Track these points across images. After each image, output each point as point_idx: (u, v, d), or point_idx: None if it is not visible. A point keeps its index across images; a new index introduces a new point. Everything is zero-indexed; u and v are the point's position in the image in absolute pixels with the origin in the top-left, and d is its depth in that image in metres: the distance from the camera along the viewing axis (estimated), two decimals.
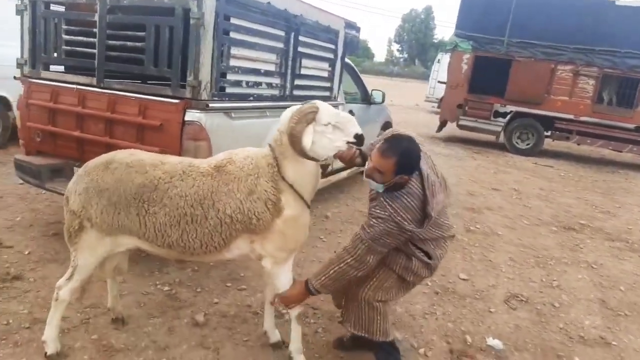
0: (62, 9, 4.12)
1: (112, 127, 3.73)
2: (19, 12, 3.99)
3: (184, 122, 3.45)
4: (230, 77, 3.80)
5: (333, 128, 2.46)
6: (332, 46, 5.38)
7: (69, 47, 3.98)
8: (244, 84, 3.94)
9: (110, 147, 3.69)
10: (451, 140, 14.01)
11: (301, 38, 4.62)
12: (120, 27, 3.73)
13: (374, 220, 2.41)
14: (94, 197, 2.48)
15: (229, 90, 3.81)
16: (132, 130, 3.63)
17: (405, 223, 2.38)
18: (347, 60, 6.76)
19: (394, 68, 78.16)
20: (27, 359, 2.64)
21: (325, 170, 2.76)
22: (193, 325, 3.14)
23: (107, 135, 3.73)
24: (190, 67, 3.41)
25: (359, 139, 2.50)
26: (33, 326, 2.90)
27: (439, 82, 18.74)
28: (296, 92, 4.79)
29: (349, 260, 2.44)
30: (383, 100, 7.26)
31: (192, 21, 3.33)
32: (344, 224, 5.46)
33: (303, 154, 2.42)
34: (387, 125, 8.10)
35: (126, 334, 2.95)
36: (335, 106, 5.81)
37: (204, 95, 3.48)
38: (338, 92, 5.79)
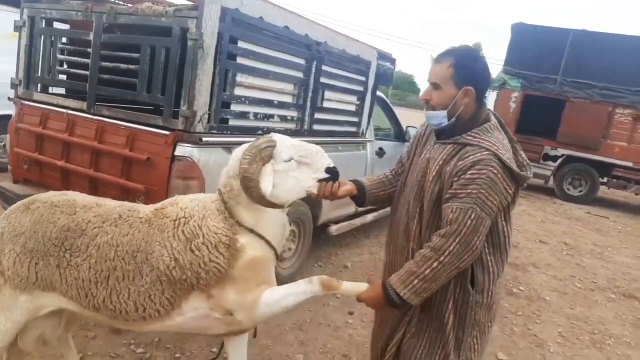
0: (62, 26, 3.80)
1: (98, 158, 3.29)
2: (17, 28, 3.68)
3: (173, 157, 2.97)
4: (235, 107, 3.32)
5: (298, 164, 1.94)
6: (362, 78, 4.86)
7: (62, 68, 3.62)
8: (251, 116, 3.46)
9: (93, 181, 3.29)
10: None
11: (325, 67, 4.14)
12: (115, 48, 3.33)
13: (470, 172, 1.75)
14: (8, 244, 2.00)
15: (232, 122, 3.33)
16: (118, 163, 3.18)
17: (508, 160, 1.78)
18: (379, 93, 6.24)
19: None
20: None
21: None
22: None
23: (92, 167, 3.29)
24: (185, 95, 2.94)
25: (332, 172, 1.97)
26: None
27: None
28: (317, 127, 4.28)
29: (451, 246, 1.75)
30: None
31: (189, 42, 2.89)
32: (365, 277, 4.78)
33: (263, 201, 1.87)
34: None
35: None
36: (364, 143, 5.35)
37: (199, 128, 3.00)
38: (367, 128, 5.24)
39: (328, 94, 4.34)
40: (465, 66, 1.86)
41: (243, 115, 3.39)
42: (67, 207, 2.04)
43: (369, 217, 5.82)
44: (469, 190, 1.75)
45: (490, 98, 17.73)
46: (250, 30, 3.27)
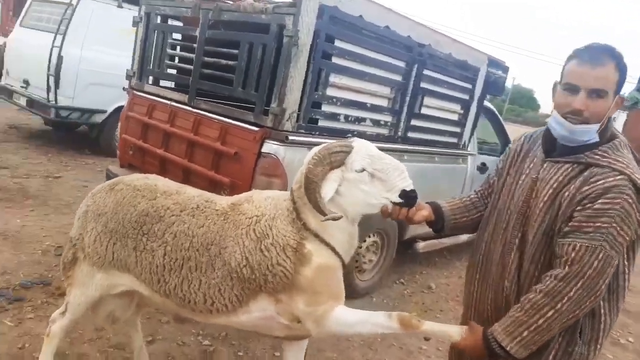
0: (176, 23, 4.01)
1: (192, 149, 3.41)
2: (135, 23, 3.96)
3: (259, 154, 2.97)
4: (326, 108, 3.25)
5: (371, 178, 1.75)
6: (468, 85, 4.55)
7: (171, 62, 3.82)
8: (342, 118, 3.36)
9: (187, 171, 3.40)
10: None
11: (427, 72, 3.92)
12: (217, 44, 3.43)
13: (601, 201, 1.44)
14: (91, 222, 2.07)
15: (322, 123, 3.27)
16: (209, 155, 3.26)
17: None
18: (488, 104, 5.83)
19: None
20: None
21: None
22: None
23: (187, 157, 3.41)
24: (276, 92, 2.93)
25: (408, 198, 1.74)
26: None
27: None
28: (412, 134, 4.07)
29: (572, 292, 1.45)
30: None
31: (285, 39, 2.87)
32: (449, 303, 4.46)
33: (317, 207, 1.72)
34: None
35: None
36: (464, 156, 5.01)
37: (287, 126, 2.97)
38: (470, 140, 4.90)
39: (428, 101, 4.11)
40: (624, 70, 1.51)
41: (333, 116, 3.30)
42: (149, 192, 2.08)
43: (463, 237, 5.42)
44: (598, 224, 1.44)
45: (620, 119, 16.05)
46: (349, 29, 3.18)
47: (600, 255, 1.44)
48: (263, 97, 3.05)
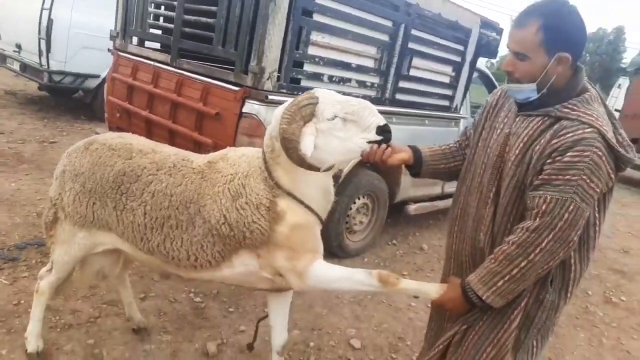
0: None
1: (176, 110, 3.40)
2: None
3: (240, 114, 2.96)
4: (308, 67, 3.22)
5: (344, 122, 1.72)
6: (460, 47, 4.47)
7: (153, 22, 3.76)
8: (325, 78, 3.33)
9: (172, 133, 3.41)
10: (619, 180, 11.65)
11: (415, 32, 3.85)
12: (198, 1, 3.37)
13: (570, 154, 1.45)
14: (69, 182, 2.09)
15: (304, 83, 3.23)
16: (192, 116, 3.26)
17: (613, 139, 1.48)
18: (483, 68, 5.74)
19: None
20: (8, 349, 2.37)
21: (335, 182, 1.89)
22: (201, 354, 2.63)
23: (171, 119, 3.41)
24: (255, 50, 2.89)
25: (384, 132, 1.73)
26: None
27: (615, 110, 15.92)
28: (401, 97, 4.03)
29: (544, 242, 1.48)
30: None
31: None
32: (440, 262, 4.51)
33: (303, 163, 1.72)
34: None
35: (124, 347, 2.55)
36: (457, 119, 4.96)
37: (267, 85, 2.94)
38: (462, 103, 4.85)
39: (417, 62, 4.05)
40: (557, 27, 1.51)
41: (317, 76, 3.27)
42: (124, 151, 2.08)
43: None
44: (567, 177, 1.45)
45: (625, 86, 15.77)
46: None
47: (571, 207, 1.46)
48: (242, 55, 3.02)
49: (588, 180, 1.45)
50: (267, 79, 2.93)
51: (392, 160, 1.83)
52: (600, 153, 1.45)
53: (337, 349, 2.90)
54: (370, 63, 3.66)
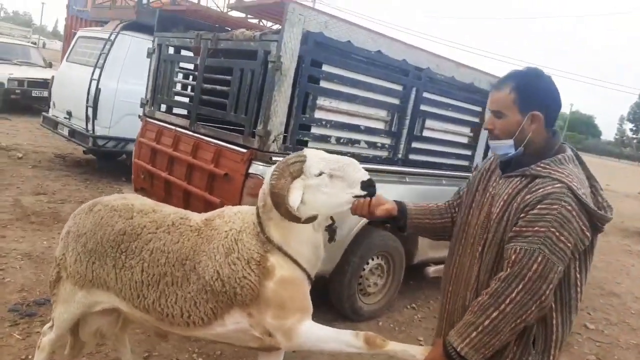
0: (186, 53, 4.26)
1: (191, 172, 3.57)
2: (149, 54, 4.24)
3: (247, 175, 3.08)
4: (315, 130, 3.33)
5: (330, 178, 1.85)
6: (477, 108, 4.50)
7: (177, 90, 4.05)
8: (333, 140, 3.42)
9: (187, 193, 3.56)
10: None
11: (427, 95, 3.94)
12: (215, 71, 3.62)
13: (539, 207, 1.51)
14: (72, 243, 2.20)
15: (312, 145, 3.33)
16: (204, 177, 3.41)
17: (584, 196, 1.53)
18: None
19: (625, 149, 68.31)
20: None
21: (332, 237, 1.99)
22: None
23: (186, 180, 3.58)
24: (261, 115, 3.05)
25: (369, 187, 1.84)
26: None
27: None
28: (414, 157, 4.06)
29: (514, 293, 1.50)
30: None
31: (269, 65, 3.00)
32: None
33: (290, 216, 1.81)
34: None
35: None
36: None
37: (273, 147, 3.07)
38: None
39: (430, 123, 4.11)
40: (528, 88, 1.66)
41: (324, 138, 3.37)
42: (125, 212, 2.19)
43: None
44: (536, 228, 1.50)
45: None
46: (337, 54, 3.27)
47: (539, 258, 1.48)
48: (251, 120, 3.18)
49: (557, 233, 1.48)
50: (273, 142, 3.06)
51: (378, 211, 1.93)
52: (569, 207, 1.49)
53: None
54: (380, 125, 3.75)
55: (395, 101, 3.76)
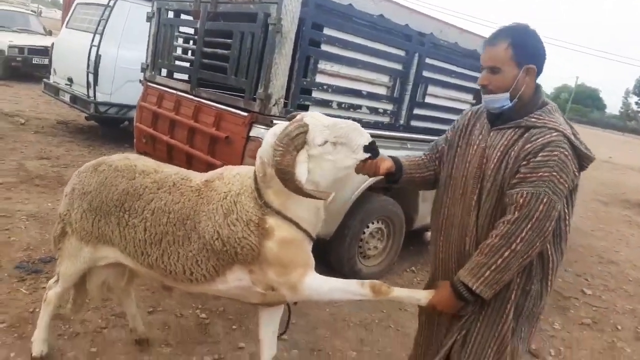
0: (185, 17, 4.22)
1: (193, 135, 3.59)
2: (149, 19, 4.21)
3: (248, 138, 3.10)
4: (316, 94, 3.33)
5: (334, 146, 1.83)
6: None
7: (177, 54, 4.03)
8: (334, 105, 3.43)
9: (189, 156, 3.59)
10: None
11: (429, 61, 3.92)
12: (215, 35, 3.60)
13: (541, 154, 1.67)
14: (77, 200, 2.25)
15: (312, 109, 3.34)
16: (206, 140, 3.43)
17: (577, 142, 1.73)
18: None
19: (630, 123, 67.78)
20: (16, 353, 2.53)
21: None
22: None
23: (188, 143, 3.60)
24: (262, 79, 3.05)
25: (372, 149, 1.86)
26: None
27: None
28: (416, 123, 4.07)
29: (524, 232, 1.66)
30: None
31: (270, 27, 2.99)
32: None
33: (300, 192, 1.79)
34: None
35: (124, 356, 2.67)
36: None
37: (274, 111, 3.08)
38: None
39: (433, 90, 4.10)
40: (524, 44, 1.77)
41: (325, 103, 3.38)
42: (128, 172, 2.23)
43: None
44: (540, 174, 1.67)
45: None
46: (338, 17, 3.25)
47: (545, 200, 1.65)
48: (252, 83, 3.18)
49: (558, 177, 1.66)
50: (274, 105, 3.07)
51: (381, 170, 2.00)
52: (566, 153, 1.68)
53: None
54: (382, 90, 3.74)
55: (398, 66, 3.74)
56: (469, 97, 4.54)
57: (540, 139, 1.69)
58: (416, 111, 4.01)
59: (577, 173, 1.73)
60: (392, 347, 3.26)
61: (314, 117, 1.88)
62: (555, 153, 1.66)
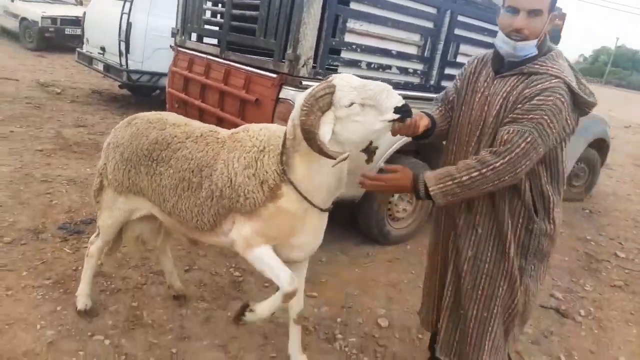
0: None
1: (224, 99, 3.63)
2: None
3: (277, 100, 3.11)
4: (345, 55, 3.30)
5: (362, 107, 1.76)
6: None
7: (207, 18, 4.03)
8: (363, 65, 3.39)
9: (220, 120, 3.64)
10: None
11: (461, 18, 3.80)
12: None
13: (537, 98, 1.71)
14: (111, 153, 2.35)
15: (341, 70, 3.31)
16: (236, 103, 3.47)
17: (576, 87, 1.75)
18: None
19: None
20: (62, 307, 2.68)
21: (370, 158, 1.93)
22: (231, 322, 2.80)
23: (219, 107, 3.65)
24: (291, 39, 3.04)
25: (403, 112, 1.75)
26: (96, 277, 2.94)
27: None
28: (446, 83, 3.94)
29: (498, 163, 1.72)
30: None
31: None
32: None
33: (322, 152, 1.76)
34: (600, 143, 6.36)
35: (163, 310, 2.80)
36: None
37: (303, 72, 3.07)
38: None
39: (465, 48, 3.98)
40: None
41: (354, 63, 3.34)
42: (159, 124, 2.31)
43: None
44: (531, 116, 1.70)
45: None
46: None
47: (529, 139, 1.69)
48: (280, 44, 3.17)
49: (548, 121, 1.69)
50: (303, 66, 3.06)
51: (420, 129, 1.96)
52: (562, 99, 1.69)
53: (364, 326, 2.96)
54: (412, 50, 3.67)
55: (429, 24, 3.65)
56: None
57: (539, 85, 1.72)
58: (448, 71, 3.92)
59: (570, 121, 1.75)
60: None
61: (342, 79, 1.82)
62: (551, 98, 1.68)
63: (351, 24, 3.21)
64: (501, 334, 2.02)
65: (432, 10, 3.63)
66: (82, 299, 2.62)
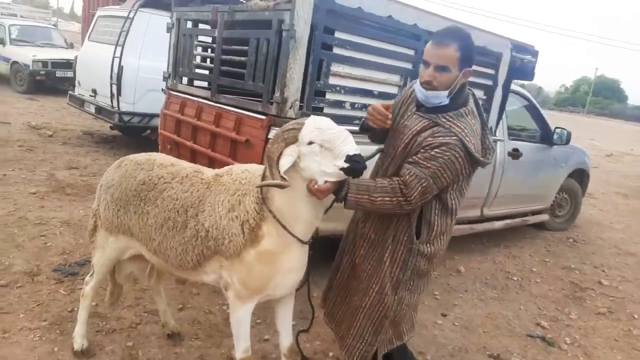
0: (203, 26, 4.41)
1: (215, 140, 3.77)
2: (169, 29, 4.41)
3: (266, 140, 3.25)
4: (330, 96, 3.47)
5: (320, 148, 1.91)
6: (490, 71, 4.55)
7: (197, 62, 4.21)
8: (347, 105, 3.56)
9: (211, 160, 3.76)
10: None
11: None
12: (233, 43, 3.77)
13: (436, 150, 1.99)
14: (103, 194, 2.47)
15: (327, 111, 3.48)
16: (227, 144, 3.61)
17: (473, 149, 2.01)
18: (524, 92, 5.75)
19: None
20: (59, 348, 2.72)
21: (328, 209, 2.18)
22: (226, 358, 2.86)
23: (210, 148, 3.78)
24: (278, 83, 3.20)
25: (352, 162, 1.85)
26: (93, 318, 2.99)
27: None
28: None
29: (402, 198, 2.03)
30: (567, 141, 5.89)
31: (283, 33, 3.14)
32: (475, 284, 4.50)
33: (276, 182, 1.93)
34: (580, 173, 6.58)
35: (158, 349, 2.85)
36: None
37: (290, 113, 3.22)
38: (497, 126, 4.88)
39: None
40: (468, 48, 1.99)
41: (338, 104, 3.51)
42: (147, 165, 2.43)
43: (498, 224, 5.43)
44: (429, 165, 1.99)
45: None
46: (348, 21, 3.38)
47: (424, 184, 1.99)
48: (269, 88, 3.34)
49: (442, 171, 1.99)
50: (290, 108, 3.21)
51: (389, 123, 2.21)
52: (457, 155, 1.98)
53: None
54: (393, 90, 3.86)
55: (408, 65, 3.85)
56: (480, 94, 4.61)
57: (441, 138, 1.99)
58: None
59: (464, 172, 2.04)
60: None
61: (315, 120, 1.97)
62: (447, 154, 1.97)
63: (335, 67, 3.39)
64: (369, 328, 2.35)
65: (410, 52, 3.84)
66: (79, 339, 2.67)
